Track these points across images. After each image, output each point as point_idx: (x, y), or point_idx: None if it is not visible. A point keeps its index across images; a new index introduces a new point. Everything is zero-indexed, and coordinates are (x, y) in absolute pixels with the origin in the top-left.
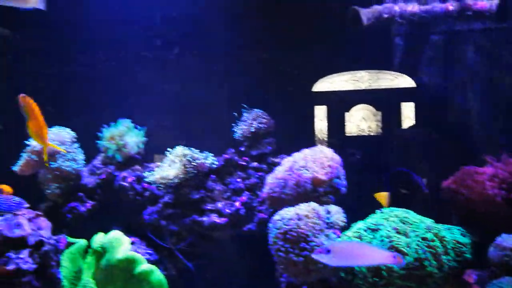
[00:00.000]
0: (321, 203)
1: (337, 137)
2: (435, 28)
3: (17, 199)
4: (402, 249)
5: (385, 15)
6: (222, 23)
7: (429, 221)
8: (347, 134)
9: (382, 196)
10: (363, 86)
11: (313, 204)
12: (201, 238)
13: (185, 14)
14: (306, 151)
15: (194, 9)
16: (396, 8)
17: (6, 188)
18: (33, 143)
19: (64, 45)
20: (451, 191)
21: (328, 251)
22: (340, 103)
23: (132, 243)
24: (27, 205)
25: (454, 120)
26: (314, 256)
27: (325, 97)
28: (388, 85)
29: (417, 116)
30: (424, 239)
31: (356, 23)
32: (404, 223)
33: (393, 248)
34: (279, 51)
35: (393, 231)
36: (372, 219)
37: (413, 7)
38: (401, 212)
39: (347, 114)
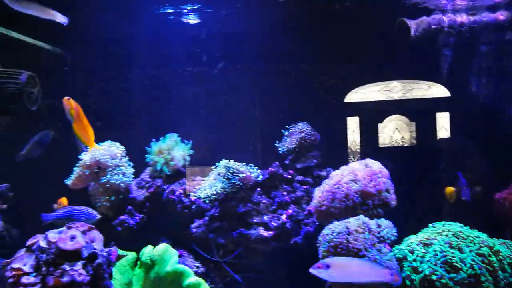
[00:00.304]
0: (371, 216)
1: (370, 148)
2: (485, 38)
3: (90, 210)
4: (456, 264)
5: (434, 26)
6: (264, 38)
7: (483, 236)
8: (380, 145)
9: (450, 191)
10: (396, 96)
11: (363, 218)
12: (248, 251)
13: (229, 31)
14: (354, 165)
15: (236, 25)
16: (445, 18)
17: (64, 200)
18: (85, 158)
19: (112, 62)
20: (505, 204)
21: (327, 267)
22: (373, 113)
23: (180, 255)
24: (99, 217)
25: (505, 130)
26: (312, 271)
27: (358, 108)
28: (423, 95)
29: (463, 126)
30: (479, 254)
31: (404, 34)
32: (457, 238)
33: (447, 264)
34: (321, 64)
35: (446, 245)
36: (424, 233)
37: (462, 17)
38: (454, 226)
39: (380, 125)
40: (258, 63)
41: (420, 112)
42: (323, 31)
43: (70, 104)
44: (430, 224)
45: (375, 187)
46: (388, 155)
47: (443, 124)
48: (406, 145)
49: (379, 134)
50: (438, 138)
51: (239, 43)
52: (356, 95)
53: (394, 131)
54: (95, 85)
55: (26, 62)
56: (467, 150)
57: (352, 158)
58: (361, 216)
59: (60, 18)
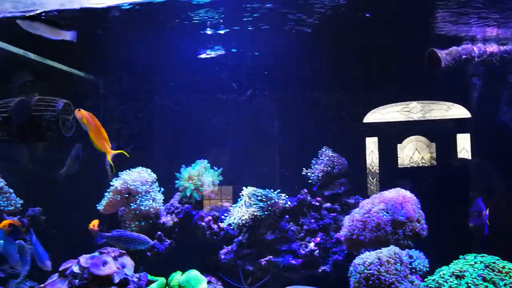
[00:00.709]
0: (401, 246)
1: (389, 169)
2: None
3: (142, 236)
4: None
5: (464, 56)
6: (291, 67)
7: None
8: (399, 166)
9: None
10: (415, 117)
11: (395, 248)
12: (276, 279)
13: (257, 61)
14: (384, 193)
15: (264, 57)
16: (475, 49)
17: (95, 222)
18: (116, 184)
19: (143, 88)
20: None
21: None
22: (392, 134)
23: (209, 282)
24: (152, 243)
25: None
26: None
27: (377, 129)
28: (442, 116)
29: (495, 153)
30: None
31: (435, 64)
32: (492, 270)
33: None
34: (350, 91)
35: (479, 278)
36: (456, 265)
37: (492, 47)
38: (487, 258)
39: (399, 146)
40: (283, 90)
41: (440, 133)
42: (352, 59)
43: (81, 114)
44: (461, 256)
45: (406, 217)
46: (407, 176)
47: (463, 145)
48: (425, 165)
49: (398, 155)
50: (458, 158)
51: (265, 71)
52: (375, 116)
53: (413, 152)
54: (126, 111)
55: (61, 89)
56: (490, 173)
57: (371, 179)
58: (392, 246)
59: (69, 36)
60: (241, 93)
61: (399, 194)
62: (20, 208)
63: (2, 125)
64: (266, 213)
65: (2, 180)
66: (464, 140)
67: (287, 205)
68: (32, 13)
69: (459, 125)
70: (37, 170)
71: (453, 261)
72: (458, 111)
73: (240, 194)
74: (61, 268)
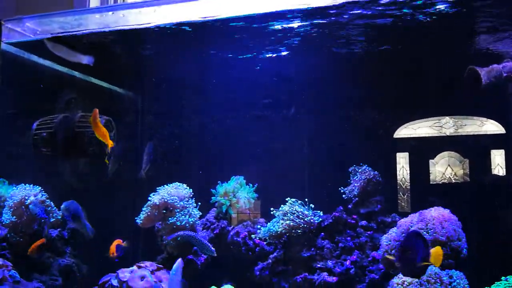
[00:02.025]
0: (442, 266)
1: (420, 185)
2: None
3: (211, 246)
4: None
5: (505, 74)
6: (326, 86)
7: None
8: (431, 182)
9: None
10: (448, 132)
11: (435, 268)
12: None
13: (294, 79)
14: (424, 212)
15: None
16: None
17: (113, 249)
18: (155, 199)
19: (180, 106)
20: None
21: None
22: (424, 149)
23: None
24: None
25: None
26: None
27: (408, 144)
28: (476, 131)
29: None
30: None
31: (475, 82)
32: None
33: None
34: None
35: None
36: (498, 287)
37: None
38: None
39: (431, 161)
40: (318, 108)
41: (473, 149)
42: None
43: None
44: (503, 277)
45: (446, 236)
46: (439, 192)
47: (498, 161)
48: (458, 182)
49: (430, 171)
50: (492, 175)
51: (302, 91)
52: (406, 131)
53: (446, 168)
54: (163, 127)
55: (103, 106)
56: None
57: (401, 195)
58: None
59: (85, 59)
60: (280, 112)
61: (438, 213)
62: (60, 221)
63: (47, 140)
64: (300, 230)
65: (45, 193)
66: (499, 156)
67: (323, 222)
68: (60, 35)
69: (493, 140)
70: (78, 183)
71: (495, 282)
72: (492, 127)
73: (277, 212)
74: (100, 282)
